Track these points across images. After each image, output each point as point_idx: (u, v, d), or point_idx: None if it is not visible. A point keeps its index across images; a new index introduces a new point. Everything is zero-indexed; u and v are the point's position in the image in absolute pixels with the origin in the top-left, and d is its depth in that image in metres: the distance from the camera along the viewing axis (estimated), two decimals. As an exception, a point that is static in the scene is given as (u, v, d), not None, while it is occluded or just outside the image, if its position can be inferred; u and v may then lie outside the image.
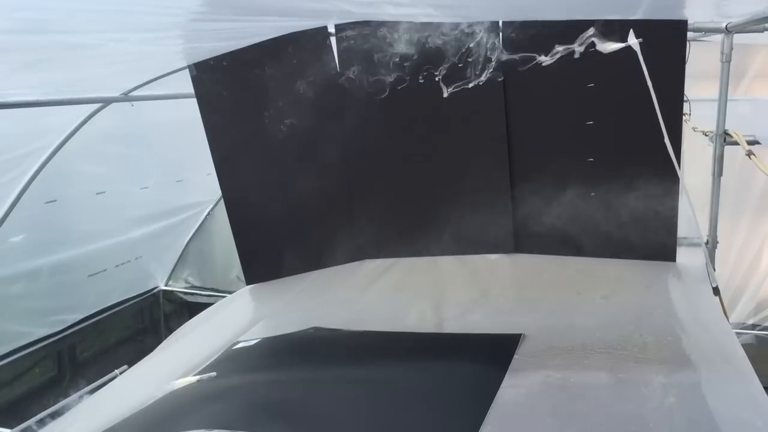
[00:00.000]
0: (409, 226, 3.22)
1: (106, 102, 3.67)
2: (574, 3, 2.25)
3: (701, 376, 1.88)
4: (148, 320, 5.81)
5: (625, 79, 2.18)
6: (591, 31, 2.05)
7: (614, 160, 2.85)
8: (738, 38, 2.81)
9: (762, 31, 2.56)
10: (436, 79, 2.61)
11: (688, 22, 2.53)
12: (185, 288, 5.97)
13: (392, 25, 2.67)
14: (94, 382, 3.39)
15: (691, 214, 2.43)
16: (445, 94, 2.55)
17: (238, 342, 2.52)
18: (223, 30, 2.41)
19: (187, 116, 3.23)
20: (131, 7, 1.79)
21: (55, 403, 3.21)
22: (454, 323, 2.52)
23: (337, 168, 3.16)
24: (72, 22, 1.87)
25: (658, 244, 2.84)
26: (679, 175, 2.40)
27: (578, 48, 2.06)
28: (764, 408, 1.67)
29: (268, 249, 3.27)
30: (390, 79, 2.84)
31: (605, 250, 2.93)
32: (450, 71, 2.67)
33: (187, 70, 2.98)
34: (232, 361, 2.36)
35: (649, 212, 2.74)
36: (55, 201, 4.28)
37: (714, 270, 2.79)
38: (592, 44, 2.06)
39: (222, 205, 3.61)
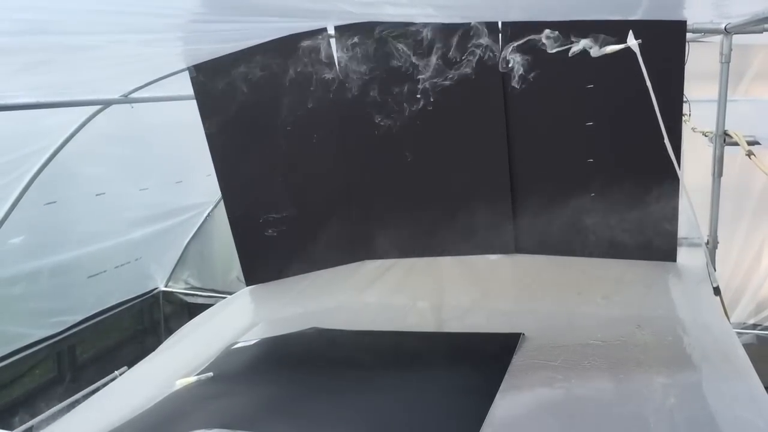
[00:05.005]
0: (409, 226, 3.22)
1: (106, 104, 3.67)
2: (574, 3, 2.25)
3: (702, 376, 1.89)
4: (147, 321, 5.80)
5: (624, 79, 2.18)
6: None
7: (614, 161, 2.85)
8: (737, 39, 2.81)
9: (761, 32, 2.56)
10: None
11: (688, 22, 2.53)
12: (185, 289, 5.96)
13: (392, 26, 2.67)
14: (94, 383, 3.39)
15: (691, 214, 2.43)
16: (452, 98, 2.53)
17: (237, 342, 2.52)
18: (222, 31, 2.41)
19: (186, 118, 3.23)
20: (131, 9, 1.79)
21: (56, 405, 3.21)
22: (454, 323, 2.52)
23: (337, 169, 3.16)
24: (72, 24, 1.87)
25: (658, 244, 2.84)
26: (679, 175, 2.40)
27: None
28: (765, 408, 1.67)
29: (268, 250, 3.27)
30: (390, 79, 2.84)
31: (605, 251, 2.93)
32: (452, 73, 2.68)
33: (186, 72, 2.98)
34: (232, 361, 2.35)
35: (649, 212, 2.74)
36: (54, 202, 4.28)
37: (714, 270, 2.79)
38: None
39: (222, 206, 3.61)
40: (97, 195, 4.59)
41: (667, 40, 2.51)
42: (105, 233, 4.88)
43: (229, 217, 3.24)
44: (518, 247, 3.12)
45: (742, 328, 4.37)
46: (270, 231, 3.25)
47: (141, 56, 2.68)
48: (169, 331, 3.73)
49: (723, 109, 2.86)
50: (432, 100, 2.92)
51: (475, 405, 1.77)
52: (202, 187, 5.23)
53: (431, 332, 2.46)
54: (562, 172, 2.93)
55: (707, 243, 3.05)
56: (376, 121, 3.03)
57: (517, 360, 2.03)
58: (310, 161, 3.13)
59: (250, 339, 2.55)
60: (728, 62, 2.81)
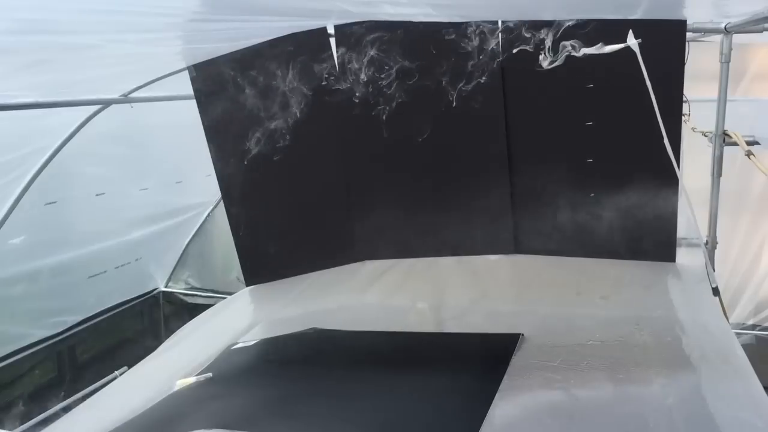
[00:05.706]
0: (409, 227, 3.22)
1: (106, 103, 3.67)
2: (574, 2, 2.25)
3: (701, 376, 1.88)
4: (147, 322, 5.80)
5: (624, 79, 2.18)
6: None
7: (613, 161, 2.85)
8: (737, 38, 2.81)
9: (761, 32, 2.56)
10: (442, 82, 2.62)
11: (688, 22, 2.53)
12: (185, 289, 5.96)
13: (392, 26, 2.67)
14: (94, 383, 3.40)
15: (690, 214, 2.43)
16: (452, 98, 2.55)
17: (236, 343, 2.52)
18: (222, 31, 2.42)
19: (186, 118, 3.23)
20: (130, 8, 1.79)
21: (56, 405, 3.21)
22: (454, 324, 2.51)
23: (337, 169, 3.16)
24: (71, 23, 1.87)
25: (657, 244, 2.83)
26: (679, 175, 2.40)
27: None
28: (764, 408, 1.67)
29: (268, 250, 3.27)
30: (390, 80, 2.84)
31: (605, 251, 2.93)
32: (452, 73, 2.68)
33: (186, 72, 2.98)
34: (231, 361, 2.35)
35: (648, 213, 2.74)
36: (55, 202, 4.28)
37: (713, 270, 2.79)
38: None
39: (222, 207, 3.61)
40: (97, 195, 4.59)
41: (667, 40, 2.51)
42: (105, 233, 4.88)
43: (228, 217, 3.24)
44: (518, 247, 3.12)
45: (741, 329, 4.37)
46: (269, 231, 3.25)
47: (140, 55, 2.68)
48: (169, 332, 3.73)
49: (723, 109, 2.86)
50: (431, 100, 2.92)
51: (474, 405, 1.77)
52: (202, 187, 5.23)
53: (431, 333, 2.46)
54: (562, 172, 2.93)
55: (706, 243, 3.05)
56: (376, 122, 3.03)
57: (517, 360, 2.03)
58: (310, 161, 3.13)
59: (250, 339, 2.55)
60: (728, 62, 2.81)
